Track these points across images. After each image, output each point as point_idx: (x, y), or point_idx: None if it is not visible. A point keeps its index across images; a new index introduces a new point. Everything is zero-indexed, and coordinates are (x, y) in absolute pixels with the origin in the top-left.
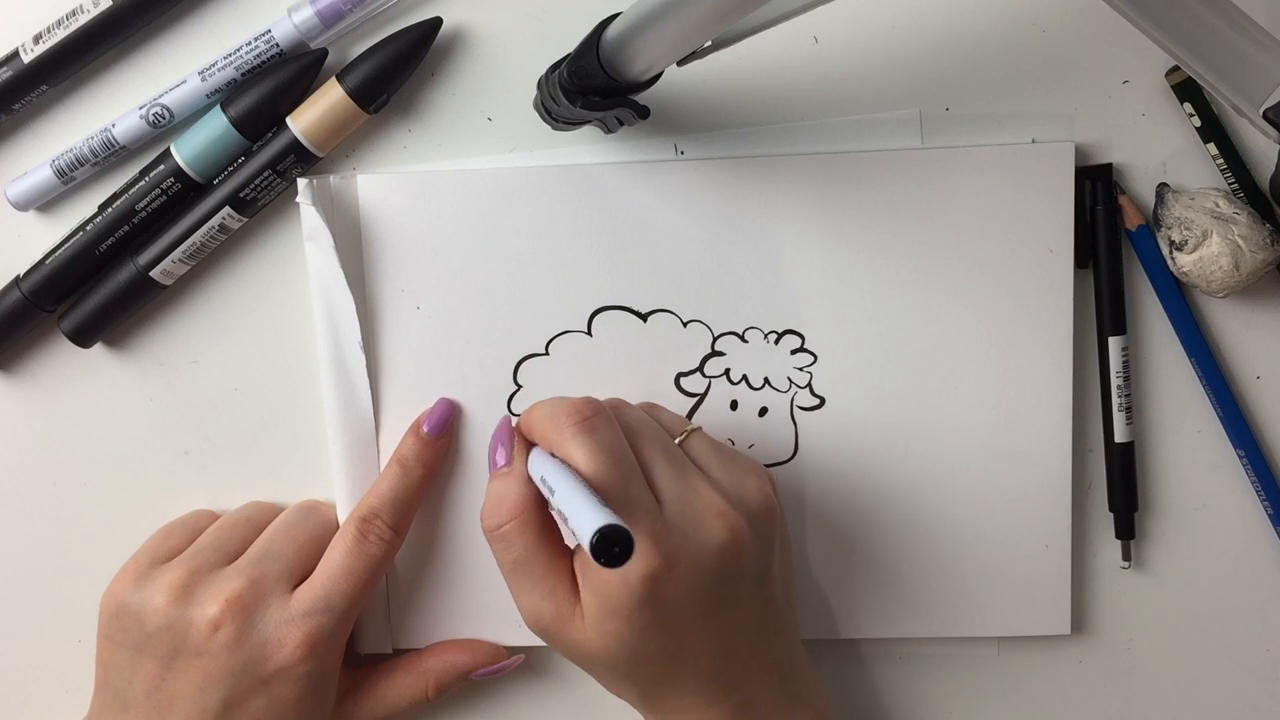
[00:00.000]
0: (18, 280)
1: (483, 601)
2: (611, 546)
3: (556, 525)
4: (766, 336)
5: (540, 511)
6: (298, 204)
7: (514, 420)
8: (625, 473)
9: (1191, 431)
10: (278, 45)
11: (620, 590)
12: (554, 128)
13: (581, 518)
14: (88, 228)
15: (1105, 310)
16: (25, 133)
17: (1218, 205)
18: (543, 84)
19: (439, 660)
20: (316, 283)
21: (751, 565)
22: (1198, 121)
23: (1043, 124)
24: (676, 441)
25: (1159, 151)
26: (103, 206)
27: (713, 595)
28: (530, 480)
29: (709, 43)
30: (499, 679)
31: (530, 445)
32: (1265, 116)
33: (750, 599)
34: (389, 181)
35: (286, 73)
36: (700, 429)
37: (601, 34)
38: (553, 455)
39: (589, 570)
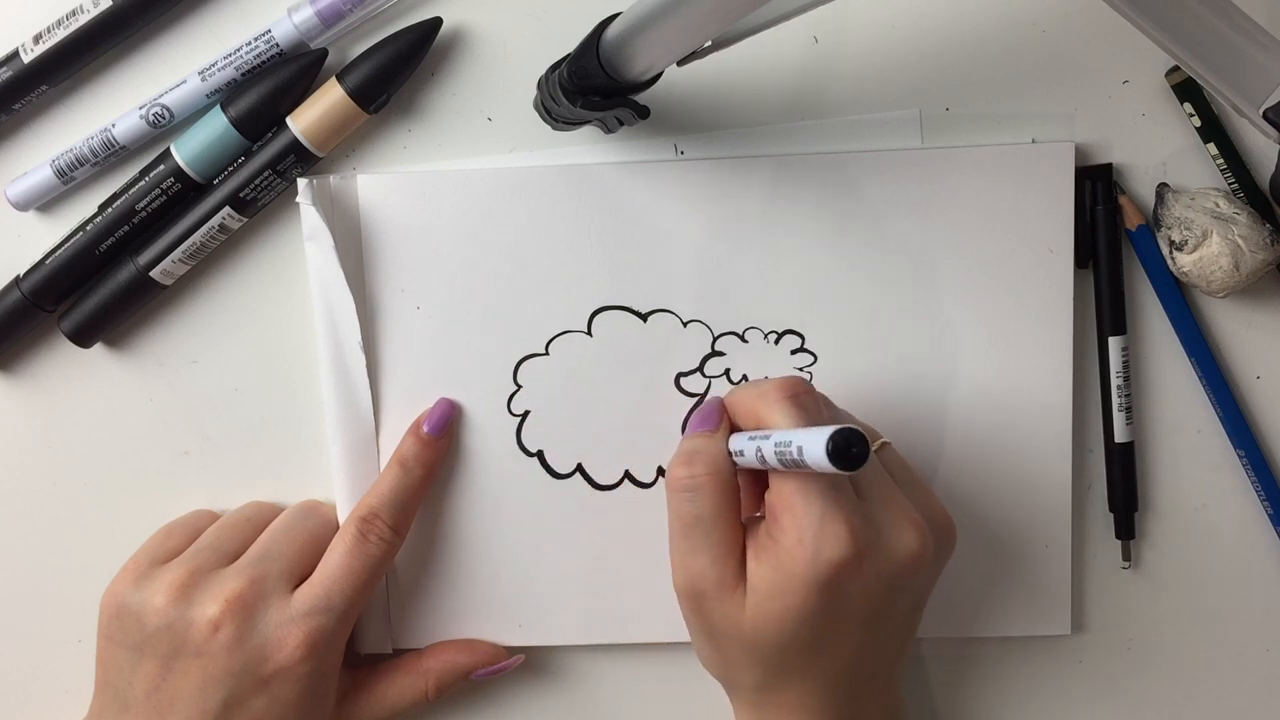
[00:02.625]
0: (18, 280)
1: (483, 601)
2: (849, 447)
3: (739, 496)
4: (766, 336)
5: (732, 478)
6: (298, 204)
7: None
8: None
9: (1191, 431)
10: (278, 45)
11: (805, 569)
12: (554, 128)
13: (809, 434)
14: (88, 228)
15: (1105, 310)
16: (25, 133)
17: (1218, 205)
18: (543, 84)
19: (439, 660)
20: (316, 283)
21: (919, 585)
22: (1198, 121)
23: (1043, 124)
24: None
25: (1159, 151)
26: (103, 206)
27: (879, 601)
28: (728, 449)
29: (709, 43)
30: (499, 679)
31: (733, 428)
32: (1265, 116)
33: (903, 618)
34: (389, 181)
35: (286, 73)
36: (891, 444)
37: (601, 34)
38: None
39: (768, 545)
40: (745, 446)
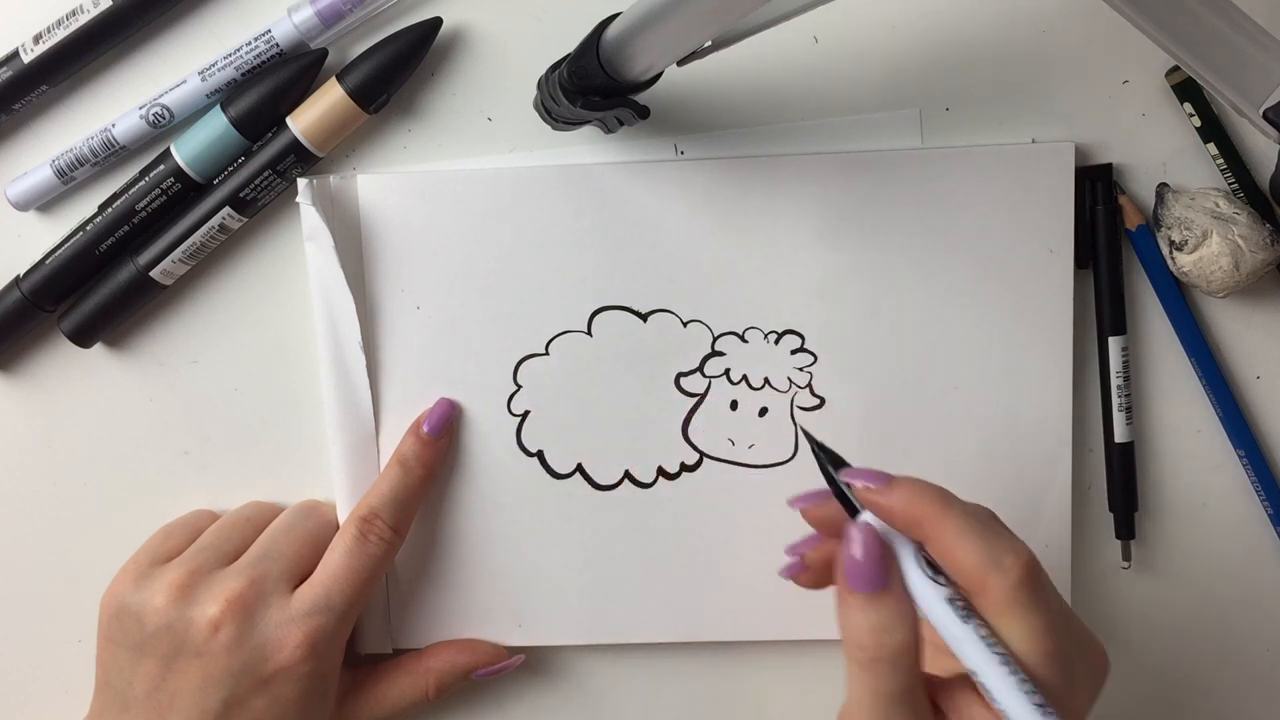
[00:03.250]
0: (18, 280)
1: (483, 601)
2: None
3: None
4: (766, 336)
5: (919, 634)
6: (298, 204)
7: (873, 531)
8: (1068, 636)
9: (1191, 431)
10: (278, 45)
11: None
12: (554, 128)
13: None
14: (88, 228)
15: (1105, 310)
16: (25, 133)
17: (1218, 205)
18: (543, 84)
19: (439, 660)
20: (316, 283)
21: None
22: (1198, 121)
23: (1043, 124)
24: None
25: (1159, 151)
26: (103, 206)
27: None
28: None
29: (709, 43)
30: (499, 679)
31: (897, 544)
32: (1265, 116)
33: None
34: (389, 181)
35: (286, 73)
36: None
37: (601, 34)
38: (969, 613)
39: (979, 716)
40: (978, 666)
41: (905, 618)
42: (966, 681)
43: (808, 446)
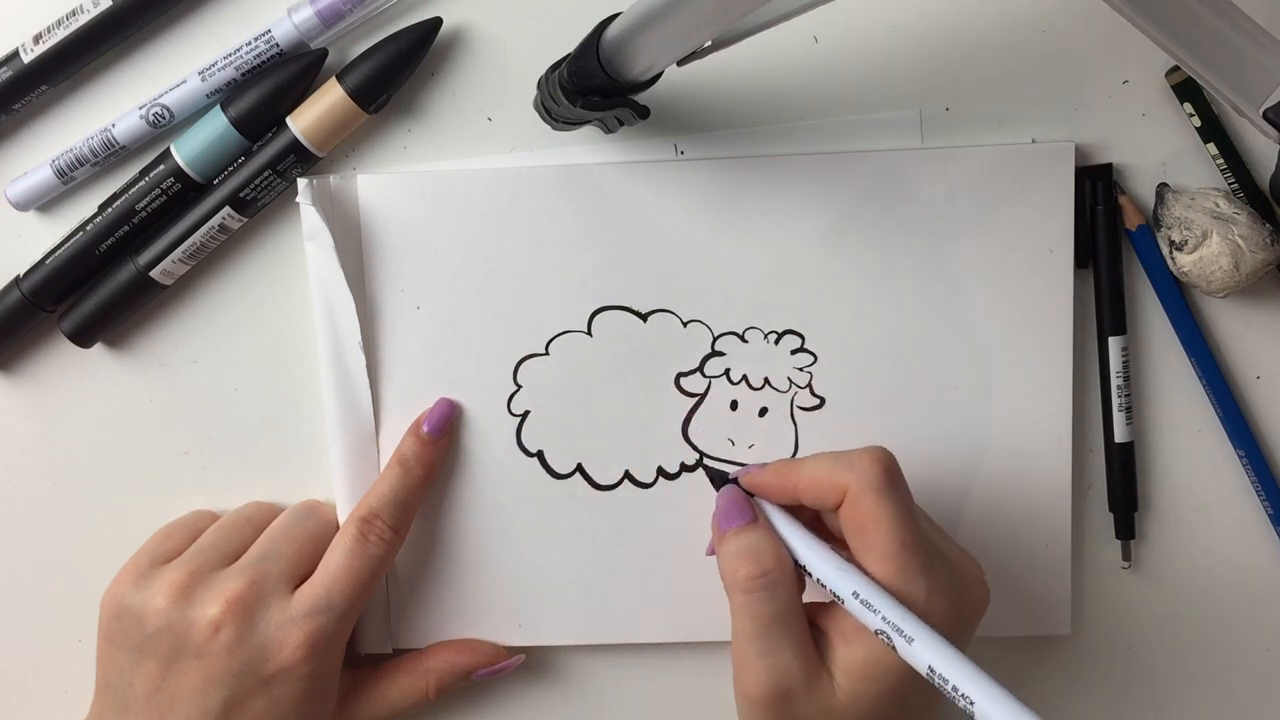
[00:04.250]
0: (18, 280)
1: (483, 601)
2: None
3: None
4: (766, 336)
5: (795, 567)
6: (298, 204)
7: (737, 487)
8: (923, 533)
9: (1191, 431)
10: (278, 45)
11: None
12: (554, 128)
13: (999, 710)
14: (88, 228)
15: (1105, 310)
16: (25, 133)
17: (1218, 205)
18: (543, 84)
19: (439, 660)
20: (316, 283)
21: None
22: (1198, 121)
23: (1043, 124)
24: None
25: (1159, 151)
26: (103, 206)
27: None
28: (780, 537)
29: (709, 43)
30: (499, 679)
31: (756, 508)
32: (1265, 116)
33: None
34: (389, 181)
35: (286, 73)
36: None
37: (601, 34)
38: (821, 543)
39: (855, 629)
40: (846, 597)
41: (771, 540)
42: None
43: (808, 447)
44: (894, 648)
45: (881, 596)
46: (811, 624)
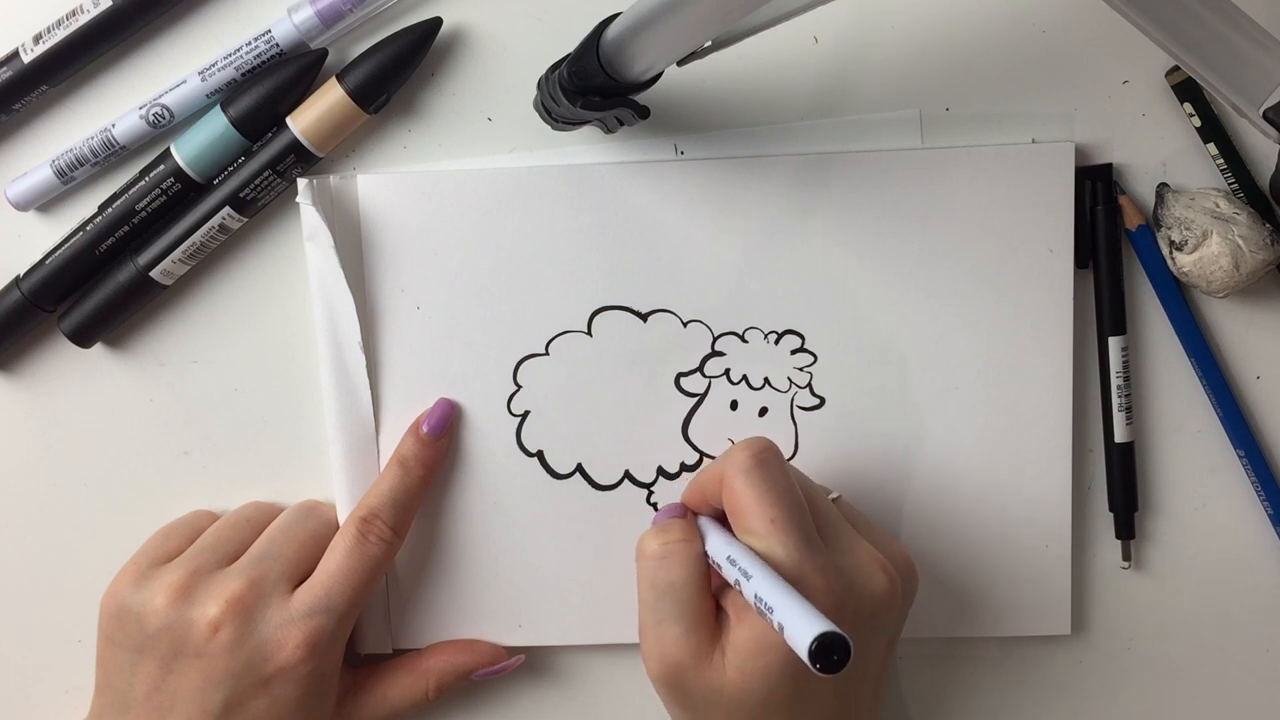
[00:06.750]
0: (18, 280)
1: (483, 601)
2: (831, 654)
3: (710, 568)
4: (766, 336)
5: (702, 548)
6: (298, 204)
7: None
8: (801, 512)
9: (1191, 431)
10: (278, 45)
11: None
12: (554, 128)
13: (794, 618)
14: (88, 228)
15: (1105, 310)
16: (25, 133)
17: (1218, 205)
18: (543, 84)
19: (439, 660)
20: (316, 283)
21: (891, 625)
22: (1198, 121)
23: (1043, 124)
24: None
25: (1159, 151)
26: (103, 206)
27: (856, 645)
28: (697, 526)
29: (709, 43)
30: (499, 679)
31: (698, 516)
32: (1265, 116)
33: (878, 658)
34: (389, 181)
35: (286, 73)
36: (841, 496)
37: (601, 34)
38: (730, 533)
39: (745, 606)
40: (722, 563)
41: (683, 522)
42: None
43: (807, 446)
44: (741, 592)
45: (746, 555)
46: (720, 608)
